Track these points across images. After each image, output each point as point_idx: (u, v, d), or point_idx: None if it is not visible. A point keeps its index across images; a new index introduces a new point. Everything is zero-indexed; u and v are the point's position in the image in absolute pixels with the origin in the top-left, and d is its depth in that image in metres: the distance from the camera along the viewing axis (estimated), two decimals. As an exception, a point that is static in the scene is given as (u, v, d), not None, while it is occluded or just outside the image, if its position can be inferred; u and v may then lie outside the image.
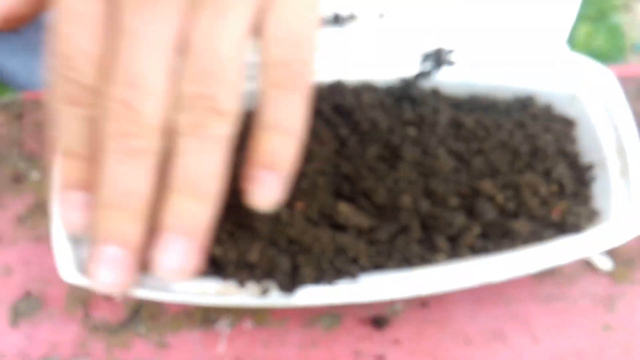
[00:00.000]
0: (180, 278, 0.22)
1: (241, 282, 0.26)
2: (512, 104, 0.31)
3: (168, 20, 0.20)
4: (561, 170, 0.29)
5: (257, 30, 0.21)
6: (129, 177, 0.21)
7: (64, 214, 0.23)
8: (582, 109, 0.30)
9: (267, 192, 0.22)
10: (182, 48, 0.20)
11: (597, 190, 0.29)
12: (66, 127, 0.22)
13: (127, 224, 0.21)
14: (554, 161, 0.29)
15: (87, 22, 0.21)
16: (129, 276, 0.22)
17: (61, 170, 0.22)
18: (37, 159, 0.35)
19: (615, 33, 1.06)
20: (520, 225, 0.27)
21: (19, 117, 0.36)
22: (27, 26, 0.56)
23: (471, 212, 0.28)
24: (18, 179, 0.34)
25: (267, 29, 0.21)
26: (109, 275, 0.22)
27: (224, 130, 0.21)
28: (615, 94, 0.29)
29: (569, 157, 0.30)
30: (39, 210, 0.33)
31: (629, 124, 0.29)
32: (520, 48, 0.31)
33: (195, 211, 0.21)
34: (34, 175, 0.35)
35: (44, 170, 0.35)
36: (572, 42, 1.04)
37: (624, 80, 0.34)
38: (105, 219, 0.21)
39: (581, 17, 1.07)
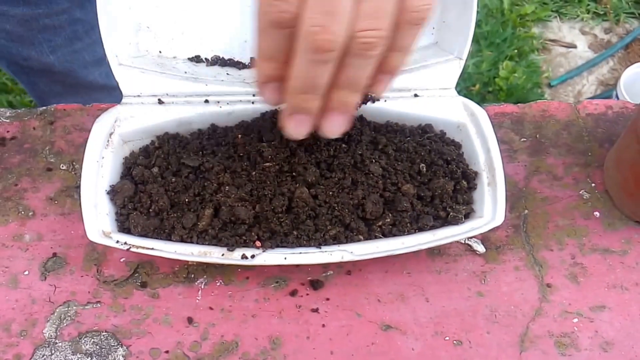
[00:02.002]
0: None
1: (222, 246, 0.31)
2: (416, 129, 0.36)
3: None
4: (446, 182, 0.34)
5: None
6: (316, 75, 0.26)
7: (264, 95, 0.29)
8: (466, 135, 0.35)
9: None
10: None
11: (475, 195, 0.34)
12: (269, 42, 0.27)
13: (312, 103, 0.28)
14: (444, 173, 0.34)
15: None
16: (307, 130, 0.29)
17: (259, 70, 0.29)
18: (64, 155, 0.39)
19: (533, 70, 1.09)
20: (425, 218, 0.32)
21: (51, 122, 0.40)
22: (83, 86, 0.57)
23: (390, 206, 0.33)
24: (49, 169, 0.38)
25: None
26: (296, 128, 0.29)
27: (381, 50, 0.26)
28: (487, 125, 0.35)
29: (456, 171, 0.34)
30: (65, 193, 0.37)
31: (495, 148, 0.34)
32: (423, 90, 0.37)
33: (352, 99, 0.28)
34: (62, 166, 0.38)
35: (70, 164, 0.38)
36: (497, 76, 1.09)
37: (501, 115, 0.41)
38: (298, 99, 0.28)
39: (505, 56, 1.11)
